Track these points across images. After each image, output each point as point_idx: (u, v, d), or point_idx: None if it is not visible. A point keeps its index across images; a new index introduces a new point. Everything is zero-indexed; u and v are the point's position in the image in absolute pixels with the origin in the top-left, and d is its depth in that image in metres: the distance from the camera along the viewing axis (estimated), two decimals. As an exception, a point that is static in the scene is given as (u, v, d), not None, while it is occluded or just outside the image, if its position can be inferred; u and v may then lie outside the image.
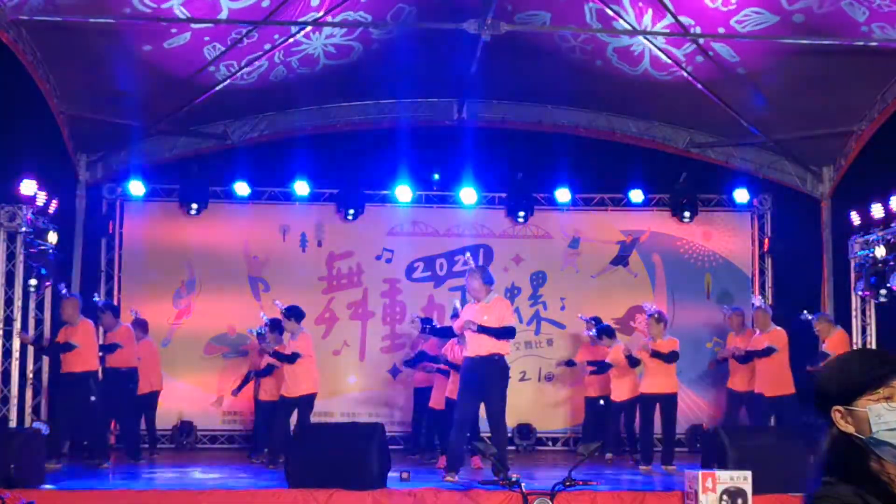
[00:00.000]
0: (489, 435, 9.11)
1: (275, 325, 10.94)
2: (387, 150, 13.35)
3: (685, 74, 11.71)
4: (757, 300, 12.04)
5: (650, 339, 10.71)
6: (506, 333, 8.89)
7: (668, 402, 10.54)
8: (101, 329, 11.48)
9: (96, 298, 11.67)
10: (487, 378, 8.72)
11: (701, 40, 10.96)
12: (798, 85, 11.58)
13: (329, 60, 11.90)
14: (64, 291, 10.94)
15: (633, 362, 10.89)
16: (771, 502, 7.43)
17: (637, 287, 13.77)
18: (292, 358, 10.33)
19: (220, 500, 7.73)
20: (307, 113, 13.39)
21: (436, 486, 8.13)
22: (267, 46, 11.29)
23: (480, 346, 8.74)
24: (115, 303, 12.57)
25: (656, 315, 10.79)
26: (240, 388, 12.05)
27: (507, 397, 9.03)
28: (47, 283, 11.60)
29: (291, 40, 11.17)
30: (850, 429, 2.09)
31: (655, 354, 10.44)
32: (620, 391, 11.33)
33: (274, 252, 13.56)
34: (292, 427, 9.89)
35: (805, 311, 11.57)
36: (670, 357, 10.44)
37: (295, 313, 10.56)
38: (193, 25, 10.61)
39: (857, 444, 2.08)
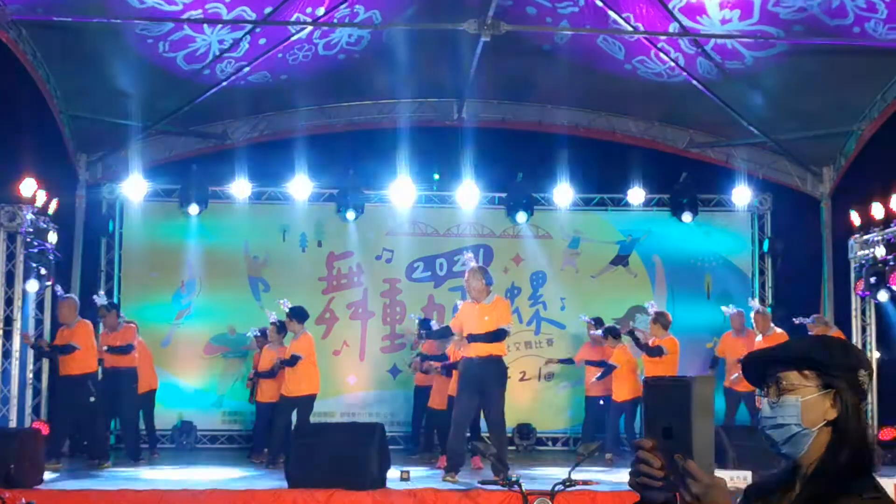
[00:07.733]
0: (489, 435, 9.10)
1: (281, 327, 11.05)
2: (387, 150, 13.32)
3: (685, 74, 11.71)
4: (755, 304, 12.04)
5: (651, 338, 10.82)
6: (496, 337, 8.81)
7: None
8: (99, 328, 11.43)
9: (99, 297, 11.54)
10: (486, 378, 8.71)
11: (701, 40, 10.96)
12: (798, 85, 11.58)
13: (328, 61, 11.90)
14: (60, 292, 10.91)
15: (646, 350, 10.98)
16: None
17: (637, 287, 13.76)
18: (292, 361, 10.42)
19: (220, 500, 7.73)
20: (307, 113, 13.39)
21: (436, 486, 8.13)
22: (265, 42, 11.29)
23: (479, 347, 8.72)
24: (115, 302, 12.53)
25: (653, 316, 11.03)
26: (252, 393, 12.00)
27: (505, 398, 9.00)
28: (47, 283, 11.59)
29: (293, 39, 11.17)
30: None
31: (643, 347, 10.75)
32: (621, 391, 11.36)
33: (274, 252, 13.55)
34: (292, 427, 9.90)
35: (801, 318, 11.47)
36: (654, 351, 10.73)
37: (297, 314, 10.64)
38: (193, 25, 10.61)
39: None
